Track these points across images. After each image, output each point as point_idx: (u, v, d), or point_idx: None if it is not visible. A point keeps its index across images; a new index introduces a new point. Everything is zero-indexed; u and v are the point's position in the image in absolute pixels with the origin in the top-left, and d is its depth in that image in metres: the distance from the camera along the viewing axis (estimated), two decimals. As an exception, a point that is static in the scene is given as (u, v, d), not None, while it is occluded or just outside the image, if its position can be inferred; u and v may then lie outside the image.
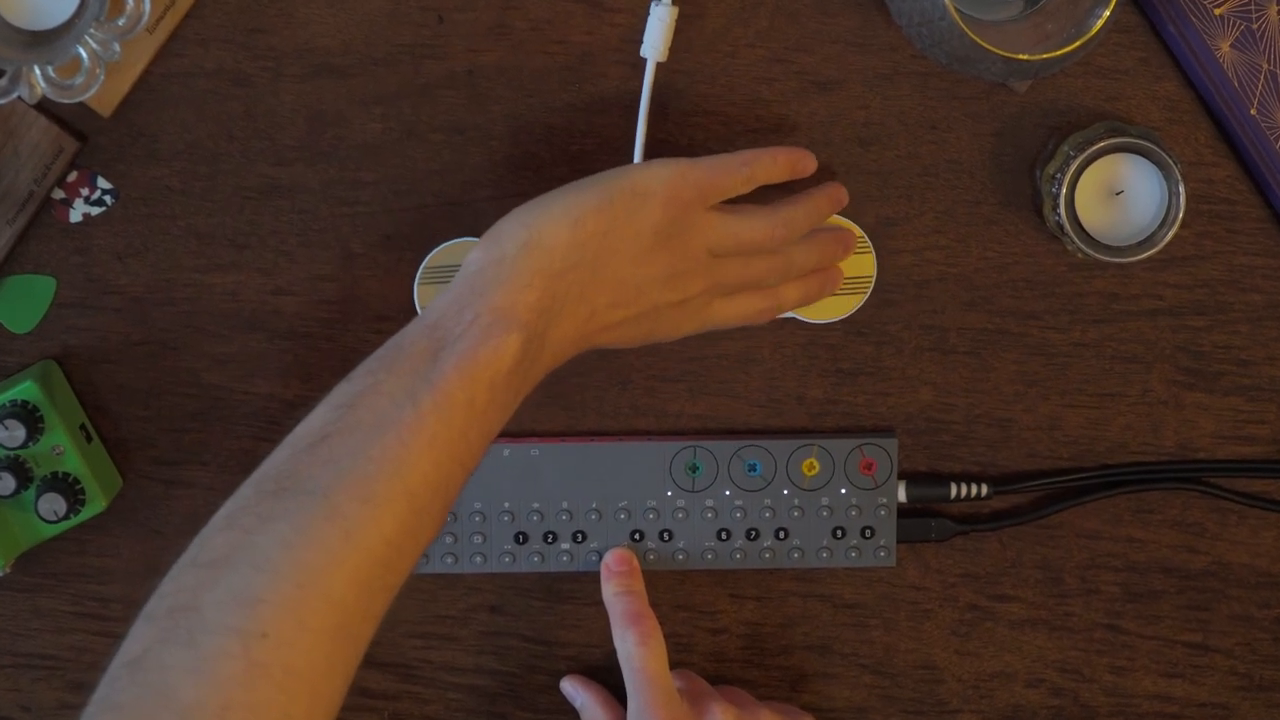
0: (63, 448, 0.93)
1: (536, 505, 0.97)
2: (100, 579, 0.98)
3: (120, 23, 0.87)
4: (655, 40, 0.92)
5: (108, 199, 0.94)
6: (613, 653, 0.94)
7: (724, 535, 0.98)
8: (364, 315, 0.96)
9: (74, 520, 0.93)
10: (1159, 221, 0.93)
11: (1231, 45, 0.93)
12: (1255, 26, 0.93)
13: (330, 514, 0.71)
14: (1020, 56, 0.85)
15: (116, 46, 0.87)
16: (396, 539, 0.73)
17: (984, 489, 0.98)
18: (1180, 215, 0.92)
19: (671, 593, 0.99)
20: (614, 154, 0.95)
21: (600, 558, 0.97)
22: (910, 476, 0.98)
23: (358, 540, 0.71)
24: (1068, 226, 0.92)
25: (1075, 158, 0.91)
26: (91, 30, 0.86)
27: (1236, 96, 0.94)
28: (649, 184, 0.84)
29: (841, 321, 0.97)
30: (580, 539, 0.98)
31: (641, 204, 0.83)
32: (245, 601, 0.68)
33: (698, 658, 1.00)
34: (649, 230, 0.84)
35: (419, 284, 0.95)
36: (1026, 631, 1.00)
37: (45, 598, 0.98)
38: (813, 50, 0.95)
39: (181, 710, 0.65)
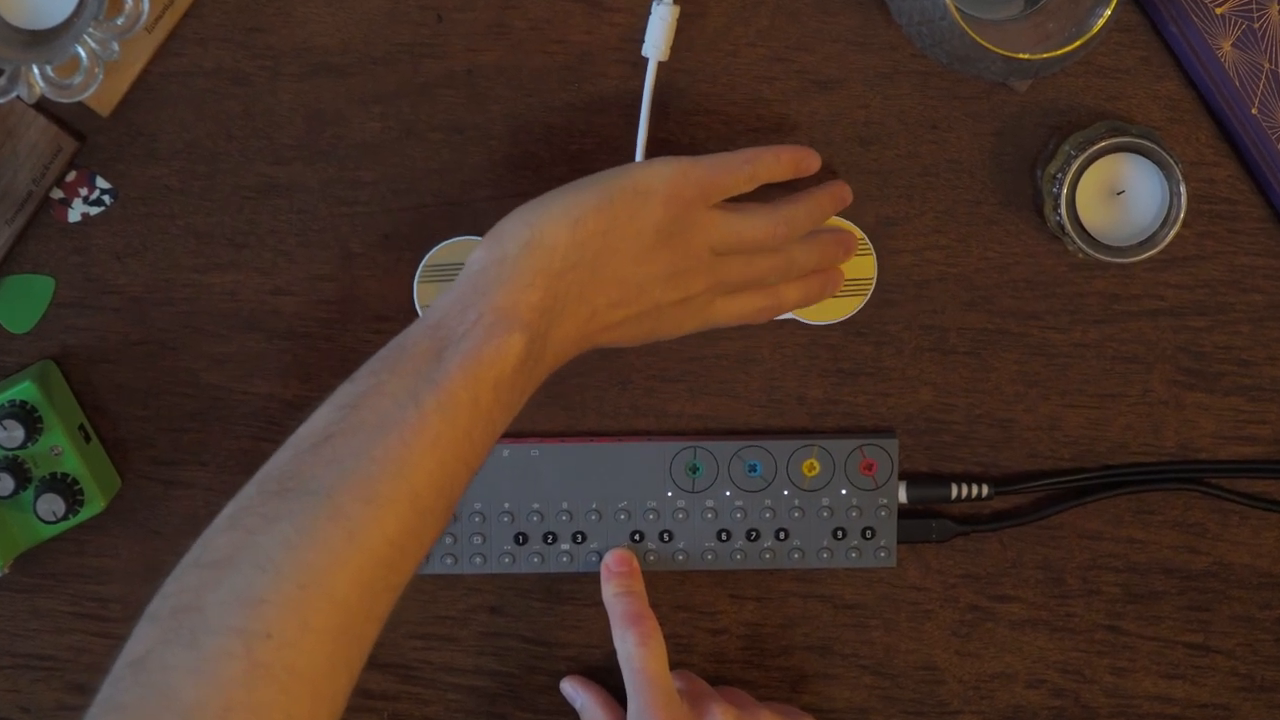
0: (61, 448, 0.93)
1: (536, 506, 0.97)
2: (99, 579, 0.97)
3: (119, 22, 0.87)
4: (657, 39, 0.92)
5: (106, 199, 0.94)
6: (613, 653, 0.94)
7: (724, 536, 0.98)
8: (363, 315, 0.96)
9: (73, 521, 0.93)
10: (1160, 221, 0.92)
11: (1233, 44, 0.93)
12: (1257, 25, 0.93)
13: (333, 514, 0.71)
14: (1021, 56, 0.85)
15: (115, 46, 0.87)
16: (400, 539, 0.73)
17: (985, 489, 0.98)
18: (1181, 215, 0.92)
19: (671, 593, 0.99)
20: (613, 153, 0.95)
21: (600, 558, 0.97)
22: (911, 477, 0.98)
23: (361, 541, 0.71)
24: (1068, 226, 0.92)
25: (1076, 157, 0.91)
26: (90, 29, 0.86)
27: (1238, 96, 0.93)
28: (650, 183, 0.84)
29: (842, 322, 0.97)
30: (580, 539, 0.97)
31: (643, 203, 0.83)
32: (248, 602, 0.68)
33: (698, 658, 1.00)
34: (650, 229, 0.84)
35: (419, 282, 0.95)
36: (1027, 632, 1.00)
37: (44, 598, 0.97)
38: (813, 49, 0.95)
39: (184, 711, 0.65)
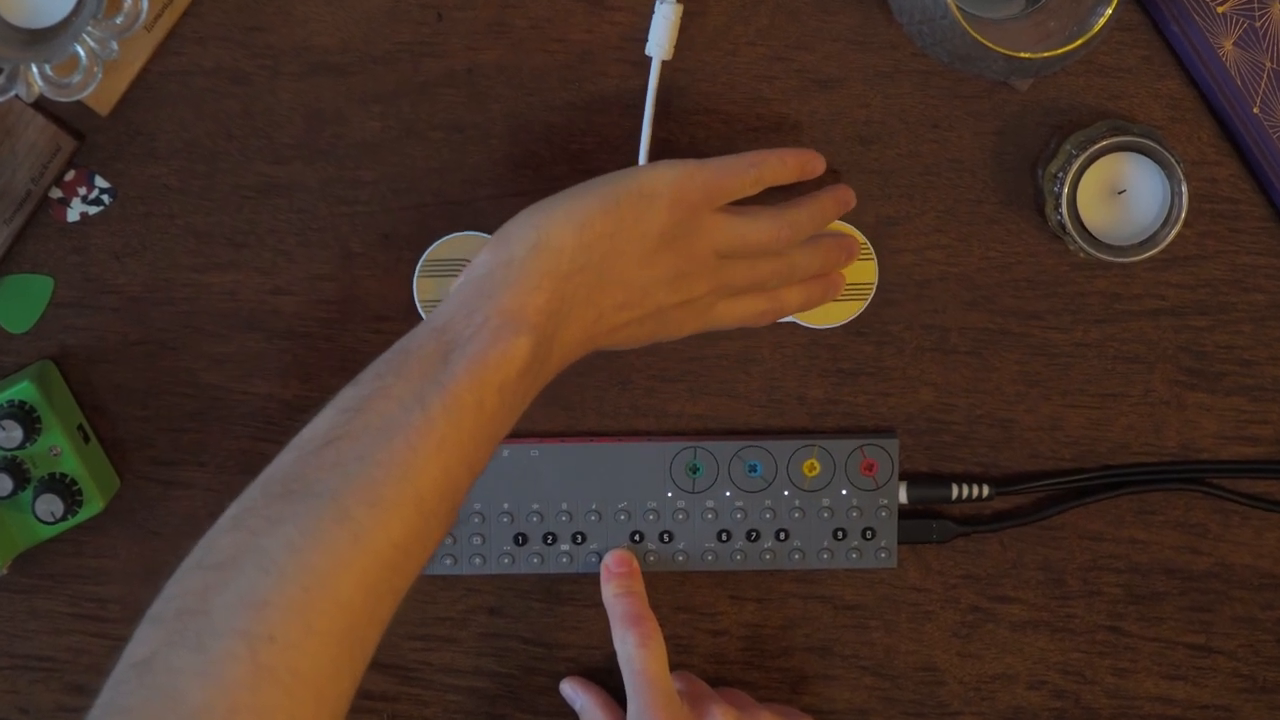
0: (60, 448, 0.92)
1: (536, 506, 0.97)
2: (98, 580, 0.97)
3: (118, 21, 0.87)
4: (660, 39, 0.92)
5: (105, 198, 0.94)
6: (613, 654, 0.93)
7: (724, 536, 0.97)
8: (363, 315, 0.96)
9: (71, 521, 0.93)
10: (1161, 221, 0.92)
11: (1234, 43, 0.93)
12: (1258, 24, 0.93)
13: (338, 517, 0.71)
14: (1022, 55, 0.84)
15: (114, 45, 0.87)
16: (404, 543, 0.73)
17: (985, 490, 0.98)
18: (1183, 215, 0.91)
19: (671, 594, 0.99)
20: (614, 152, 0.95)
21: (600, 559, 0.97)
22: (911, 477, 0.98)
23: (365, 544, 0.71)
24: (1070, 226, 0.92)
25: (1077, 157, 0.91)
26: (89, 28, 0.86)
27: (1239, 95, 0.93)
28: (655, 186, 0.84)
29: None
30: (580, 540, 0.97)
31: (648, 206, 0.83)
32: (252, 604, 0.68)
33: (698, 659, 1.00)
34: (655, 232, 0.83)
35: (419, 277, 0.95)
36: (1028, 633, 1.00)
37: (43, 599, 0.97)
38: (813, 48, 0.94)
39: (190, 714, 0.65)
